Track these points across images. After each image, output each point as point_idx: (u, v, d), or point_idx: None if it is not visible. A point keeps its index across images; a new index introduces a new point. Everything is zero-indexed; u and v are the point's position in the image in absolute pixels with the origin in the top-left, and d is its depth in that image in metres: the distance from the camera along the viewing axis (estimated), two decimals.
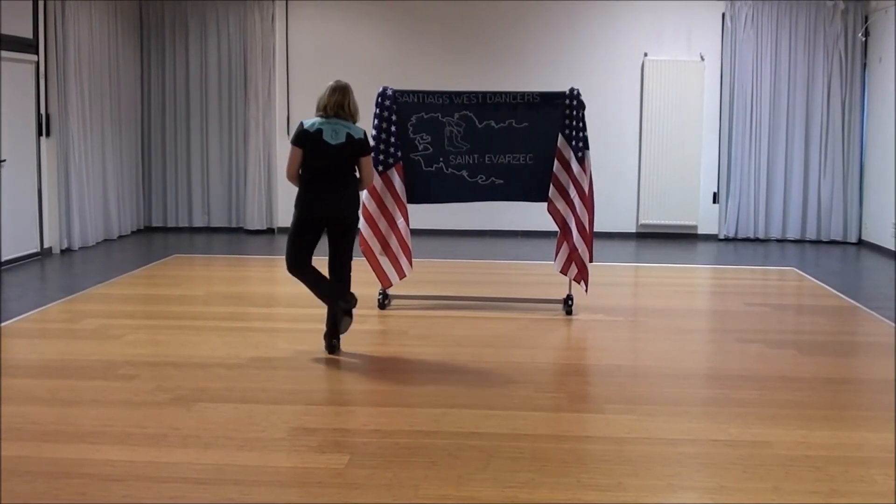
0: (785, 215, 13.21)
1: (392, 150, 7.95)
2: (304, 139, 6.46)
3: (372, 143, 7.85)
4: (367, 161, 6.65)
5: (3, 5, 10.12)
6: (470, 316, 8.17)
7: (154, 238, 13.16)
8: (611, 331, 7.84)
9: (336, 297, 6.63)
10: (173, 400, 5.65)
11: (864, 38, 12.82)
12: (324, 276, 6.70)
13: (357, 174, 6.66)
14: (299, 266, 6.64)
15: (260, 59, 13.38)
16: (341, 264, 6.71)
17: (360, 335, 7.21)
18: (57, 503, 4.17)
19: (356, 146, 6.53)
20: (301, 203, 6.57)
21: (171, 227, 13.82)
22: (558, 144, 7.98)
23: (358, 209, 6.78)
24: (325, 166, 6.50)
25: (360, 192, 6.83)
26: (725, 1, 13.02)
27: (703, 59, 13.08)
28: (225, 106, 13.65)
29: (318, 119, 6.52)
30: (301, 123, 6.56)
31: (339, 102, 6.49)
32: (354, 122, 6.59)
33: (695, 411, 5.61)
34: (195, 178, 13.77)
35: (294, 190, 6.68)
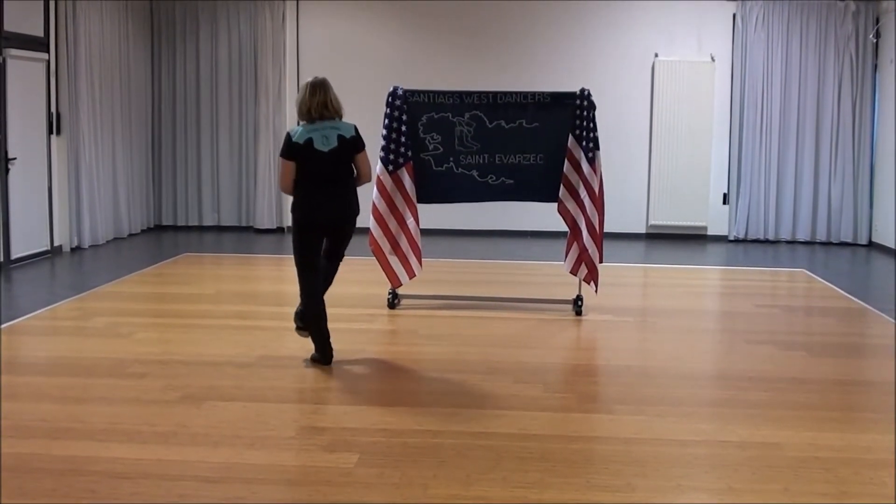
0: (795, 217, 13.17)
1: (402, 149, 7.95)
2: (294, 151, 6.21)
3: (382, 142, 7.88)
4: (363, 157, 6.37)
5: (15, 4, 10.14)
6: (479, 316, 8.17)
7: (164, 236, 13.19)
8: (620, 331, 7.84)
9: (322, 350, 6.50)
10: (183, 398, 5.66)
11: (875, 40, 12.78)
12: (327, 334, 6.50)
13: (355, 172, 6.45)
14: (311, 294, 6.47)
15: (270, 58, 13.39)
16: (335, 255, 6.60)
17: (369, 334, 7.22)
18: (66, 501, 4.19)
19: (349, 146, 6.29)
20: (299, 211, 6.38)
21: (181, 226, 13.85)
22: (568, 145, 7.97)
23: (355, 212, 6.50)
24: (321, 174, 6.26)
25: (363, 188, 6.58)
26: (736, 1, 12.99)
27: (713, 59, 13.06)
28: (235, 104, 13.67)
29: (303, 127, 6.26)
30: (288, 135, 6.28)
31: (322, 102, 6.21)
32: (341, 117, 6.35)
33: (704, 412, 5.60)
34: (205, 176, 13.79)
35: None
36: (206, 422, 5.24)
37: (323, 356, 6.49)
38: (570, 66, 13.05)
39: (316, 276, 6.49)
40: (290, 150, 6.23)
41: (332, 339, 6.54)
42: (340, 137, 6.26)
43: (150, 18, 13.62)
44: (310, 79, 6.34)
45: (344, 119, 6.40)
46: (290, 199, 13.18)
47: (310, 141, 6.20)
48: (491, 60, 13.21)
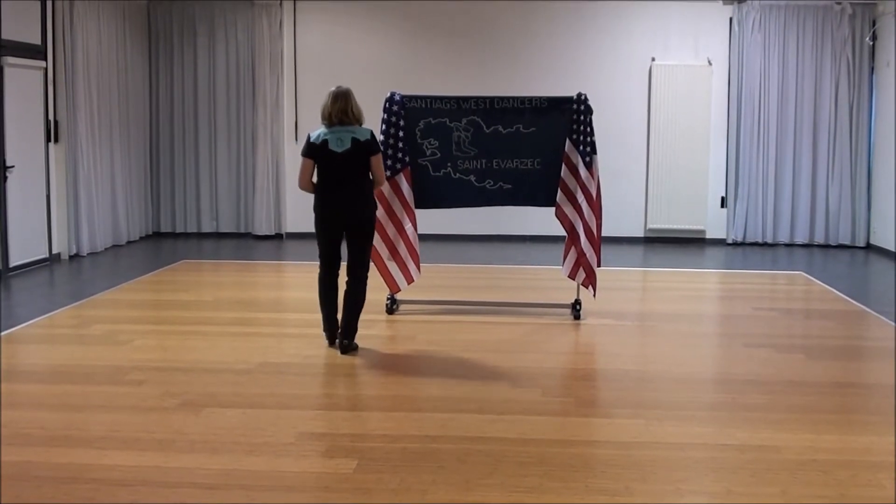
0: (793, 219, 13.18)
1: (400, 155, 7.96)
2: (312, 151, 6.71)
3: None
4: (377, 160, 6.78)
5: (12, 12, 10.15)
6: (478, 321, 8.17)
7: (162, 243, 13.19)
8: (619, 335, 7.84)
9: (334, 337, 7.01)
10: (181, 405, 5.66)
11: (871, 43, 12.80)
12: (334, 311, 6.98)
13: (372, 176, 6.86)
14: (326, 264, 6.94)
15: (268, 65, 13.40)
16: (355, 265, 6.89)
17: (368, 340, 7.22)
18: None
19: (363, 148, 6.68)
20: (316, 210, 6.84)
21: (180, 233, 13.85)
22: (566, 149, 7.97)
23: (370, 212, 6.92)
24: (335, 174, 6.71)
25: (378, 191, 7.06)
26: (733, 5, 13.01)
27: (710, 63, 13.07)
28: (233, 111, 13.67)
29: (322, 130, 6.73)
30: (308, 136, 6.80)
31: (342, 109, 6.66)
32: (360, 124, 6.75)
33: (703, 416, 5.61)
34: (203, 183, 13.79)
35: (302, 194, 7.00)
36: (205, 428, 5.24)
37: (329, 337, 7.03)
38: (567, 70, 13.07)
39: (328, 261, 6.94)
40: (308, 148, 6.75)
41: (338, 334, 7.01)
42: (354, 140, 6.65)
43: (147, 26, 13.63)
44: (332, 88, 6.76)
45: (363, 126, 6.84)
46: (288, 206, 13.33)
47: (325, 142, 6.65)
48: (488, 66, 13.22)
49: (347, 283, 6.91)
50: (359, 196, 6.76)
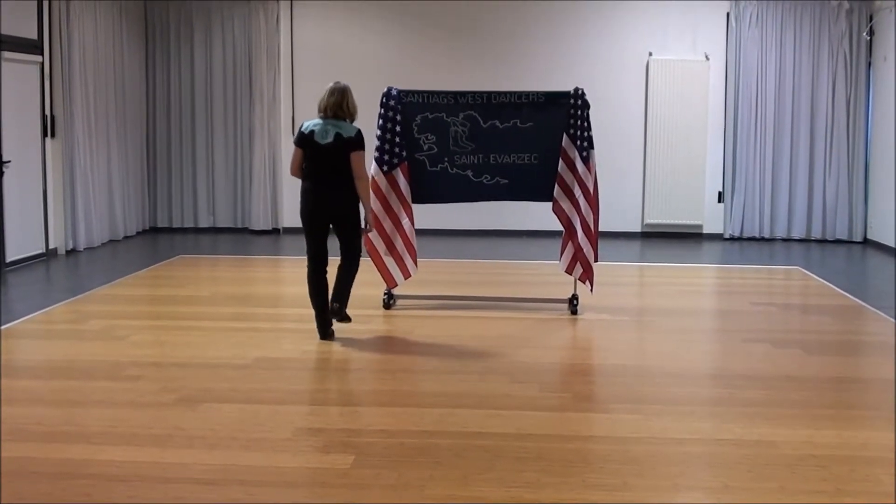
0: (790, 214, 13.18)
1: (397, 150, 7.95)
2: (300, 140, 6.94)
3: (377, 142, 7.90)
4: (356, 157, 6.86)
5: (9, 7, 10.13)
6: (475, 316, 8.17)
7: (159, 239, 13.17)
8: (616, 330, 7.83)
9: (326, 331, 7.13)
10: (179, 400, 5.65)
11: (868, 37, 12.80)
12: (325, 305, 7.08)
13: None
14: (313, 261, 7.02)
15: (265, 60, 13.38)
16: (346, 252, 7.05)
17: (365, 335, 7.22)
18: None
19: (345, 144, 6.82)
20: (300, 198, 7.03)
21: (177, 228, 13.82)
22: (563, 144, 7.97)
23: (351, 204, 6.97)
24: (319, 165, 6.89)
25: (361, 189, 7.00)
26: (730, 0, 13.00)
27: (707, 58, 13.06)
28: (230, 106, 13.65)
29: (315, 121, 6.94)
30: (301, 125, 7.02)
31: (337, 103, 6.87)
32: (352, 121, 6.91)
33: (700, 411, 5.60)
34: (200, 178, 13.77)
35: (299, 190, 7.10)
36: (203, 424, 5.23)
37: (321, 331, 7.09)
38: (564, 65, 13.05)
39: (315, 259, 7.03)
40: (298, 137, 6.99)
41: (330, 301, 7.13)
42: (338, 135, 6.81)
43: (143, 21, 13.60)
44: (331, 83, 6.98)
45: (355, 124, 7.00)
46: (285, 201, 13.36)
47: (312, 132, 6.83)
48: (485, 61, 13.20)
49: (339, 266, 7.07)
50: (339, 188, 6.87)
